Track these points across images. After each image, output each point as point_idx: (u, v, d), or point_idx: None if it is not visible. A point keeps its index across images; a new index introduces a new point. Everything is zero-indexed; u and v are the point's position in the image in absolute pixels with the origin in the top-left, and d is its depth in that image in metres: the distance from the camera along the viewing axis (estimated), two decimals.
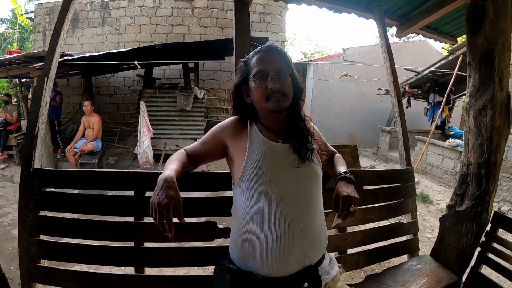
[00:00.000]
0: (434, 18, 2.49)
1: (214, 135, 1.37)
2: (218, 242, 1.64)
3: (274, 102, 1.22)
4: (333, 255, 1.42)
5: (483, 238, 1.94)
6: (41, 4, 10.53)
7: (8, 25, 17.01)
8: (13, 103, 8.14)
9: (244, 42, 1.99)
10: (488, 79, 1.88)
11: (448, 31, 2.98)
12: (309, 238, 1.21)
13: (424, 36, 2.96)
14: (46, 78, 1.87)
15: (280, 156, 1.25)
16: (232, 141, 1.32)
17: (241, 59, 1.35)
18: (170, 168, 1.23)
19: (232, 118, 1.39)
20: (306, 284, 1.18)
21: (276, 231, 1.16)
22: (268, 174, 1.21)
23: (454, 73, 5.98)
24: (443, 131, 8.81)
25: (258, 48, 1.30)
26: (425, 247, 3.48)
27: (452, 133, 8.29)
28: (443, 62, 7.17)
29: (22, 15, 14.53)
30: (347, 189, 1.36)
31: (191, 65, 7.92)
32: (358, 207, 1.33)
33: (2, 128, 7.38)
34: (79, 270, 1.67)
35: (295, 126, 1.32)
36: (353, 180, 1.42)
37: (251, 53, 1.32)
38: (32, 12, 11.33)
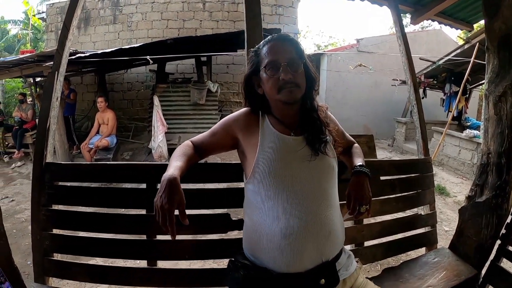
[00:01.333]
0: (450, 3, 2.41)
1: (225, 127, 1.34)
2: (232, 235, 1.62)
3: (286, 93, 1.19)
4: (349, 250, 1.38)
5: (503, 231, 1.85)
6: (53, 4, 10.68)
7: (21, 26, 17.35)
8: (28, 102, 8.30)
9: (255, 31, 1.94)
10: (507, 64, 1.80)
11: (464, 17, 2.88)
12: (324, 233, 1.17)
13: (439, 23, 2.88)
14: (56, 73, 1.87)
15: (292, 149, 1.22)
16: (243, 134, 1.30)
17: (252, 49, 1.32)
18: (174, 166, 1.19)
19: (243, 109, 1.36)
20: (322, 281, 1.15)
21: (289, 226, 1.13)
22: (280, 169, 1.19)
23: (471, 62, 5.82)
24: (459, 122, 8.67)
25: (269, 37, 1.27)
26: (442, 240, 3.41)
27: (468, 124, 8.15)
28: (459, 51, 7.01)
29: (34, 15, 14.77)
30: (359, 188, 1.34)
31: (203, 58, 7.91)
32: (375, 198, 1.30)
33: (18, 127, 7.57)
34: (93, 263, 1.67)
35: (308, 117, 1.28)
36: (368, 174, 1.38)
37: (261, 43, 1.29)
38: (44, 12, 11.50)
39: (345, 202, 1.36)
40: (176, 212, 1.09)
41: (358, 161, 1.44)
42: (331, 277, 1.18)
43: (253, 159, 1.22)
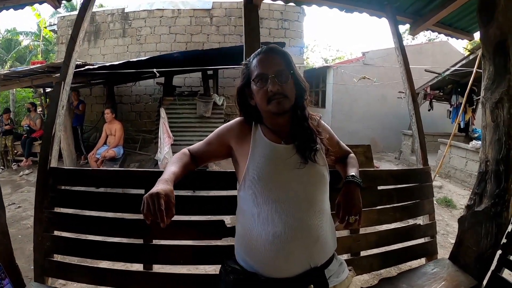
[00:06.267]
0: (448, 12, 2.42)
1: (219, 136, 1.38)
2: (226, 241, 1.63)
3: (275, 104, 1.22)
4: (344, 259, 1.38)
5: (504, 240, 1.82)
6: (64, 17, 10.91)
7: (32, 38, 17.74)
8: (38, 112, 8.44)
9: (252, 44, 1.99)
10: (503, 70, 1.79)
11: (463, 27, 2.89)
12: (312, 239, 1.19)
13: (439, 33, 2.88)
14: (62, 82, 1.95)
15: (282, 157, 1.25)
16: (236, 142, 1.33)
17: (243, 62, 1.36)
18: (169, 171, 1.23)
19: (237, 119, 1.40)
20: (311, 286, 1.16)
21: (276, 232, 1.15)
22: (269, 176, 1.21)
23: (474, 71, 5.79)
24: (467, 134, 8.57)
25: (258, 50, 1.31)
26: (448, 253, 3.34)
27: (476, 135, 8.06)
28: (464, 62, 6.99)
29: (46, 27, 14.98)
30: (349, 198, 1.34)
31: (210, 72, 7.99)
32: (372, 208, 1.28)
33: (26, 135, 7.69)
34: (92, 266, 1.69)
35: (299, 126, 1.31)
36: (359, 185, 1.39)
37: (252, 56, 1.32)
38: (55, 24, 11.69)
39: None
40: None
41: (351, 171, 1.45)
42: (319, 283, 1.18)
43: (245, 166, 1.25)
